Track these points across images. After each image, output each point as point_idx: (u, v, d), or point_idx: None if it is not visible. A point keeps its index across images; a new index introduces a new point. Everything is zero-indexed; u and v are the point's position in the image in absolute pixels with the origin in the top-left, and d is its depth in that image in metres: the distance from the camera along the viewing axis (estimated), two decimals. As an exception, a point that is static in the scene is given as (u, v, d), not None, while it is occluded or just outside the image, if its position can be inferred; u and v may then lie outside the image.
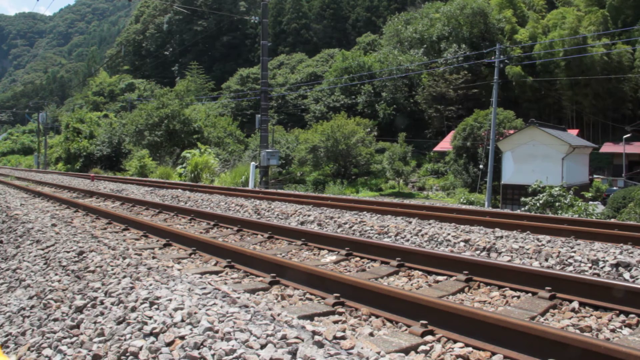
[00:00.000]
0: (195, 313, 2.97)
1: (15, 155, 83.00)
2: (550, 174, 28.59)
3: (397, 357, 2.76)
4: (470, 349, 3.02)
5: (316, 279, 4.27)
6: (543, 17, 55.32)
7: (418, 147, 51.46)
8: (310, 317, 3.57)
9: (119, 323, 3.14)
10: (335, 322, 3.57)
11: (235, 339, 2.62)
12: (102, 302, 3.58)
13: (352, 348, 2.53)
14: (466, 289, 4.39)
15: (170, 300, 3.25)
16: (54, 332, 3.39)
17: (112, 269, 4.37)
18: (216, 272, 5.02)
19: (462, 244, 5.94)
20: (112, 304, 3.49)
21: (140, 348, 2.74)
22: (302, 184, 41.62)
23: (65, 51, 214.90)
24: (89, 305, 3.62)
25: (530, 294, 4.09)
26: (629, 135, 42.64)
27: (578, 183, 31.59)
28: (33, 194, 14.22)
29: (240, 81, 73.40)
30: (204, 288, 3.54)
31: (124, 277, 4.03)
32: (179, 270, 4.46)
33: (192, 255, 5.87)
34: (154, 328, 2.89)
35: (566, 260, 5.01)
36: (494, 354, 2.94)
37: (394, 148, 44.33)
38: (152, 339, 2.82)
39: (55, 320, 3.61)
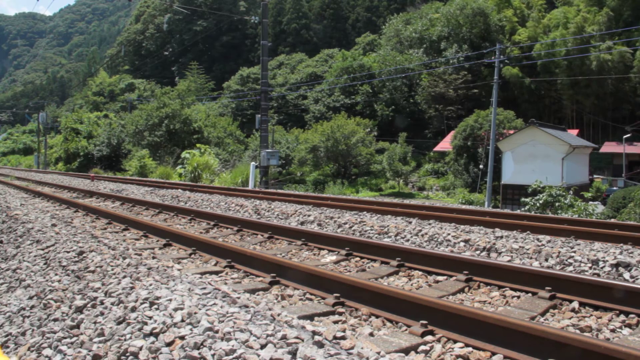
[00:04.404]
0: (195, 313, 2.97)
1: (15, 155, 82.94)
2: (550, 174, 28.54)
3: (397, 357, 2.76)
4: (470, 349, 3.02)
5: (316, 279, 4.27)
6: (543, 17, 55.28)
7: (418, 147, 51.40)
8: (310, 317, 3.57)
9: (119, 323, 3.14)
10: (335, 322, 3.57)
11: (235, 339, 2.62)
12: (102, 302, 3.58)
13: (352, 348, 2.53)
14: (466, 289, 4.39)
15: (170, 300, 3.25)
16: (54, 332, 3.39)
17: (112, 269, 4.37)
18: (216, 272, 5.02)
19: (462, 244, 5.94)
20: (112, 304, 3.49)
21: (140, 348, 2.74)
22: (302, 184, 41.55)
23: (65, 51, 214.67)
24: (89, 305, 3.62)
25: (530, 294, 4.09)
26: (629, 135, 42.59)
27: (578, 183, 31.55)
28: (33, 194, 14.22)
29: (240, 81, 73.32)
30: (204, 288, 3.54)
31: (124, 277, 4.03)
32: (179, 270, 4.46)
33: (192, 255, 5.87)
34: (154, 328, 2.89)
35: (566, 260, 5.01)
36: (494, 354, 2.94)
37: (393, 148, 44.31)
38: (152, 339, 2.82)
39: (55, 320, 3.60)
